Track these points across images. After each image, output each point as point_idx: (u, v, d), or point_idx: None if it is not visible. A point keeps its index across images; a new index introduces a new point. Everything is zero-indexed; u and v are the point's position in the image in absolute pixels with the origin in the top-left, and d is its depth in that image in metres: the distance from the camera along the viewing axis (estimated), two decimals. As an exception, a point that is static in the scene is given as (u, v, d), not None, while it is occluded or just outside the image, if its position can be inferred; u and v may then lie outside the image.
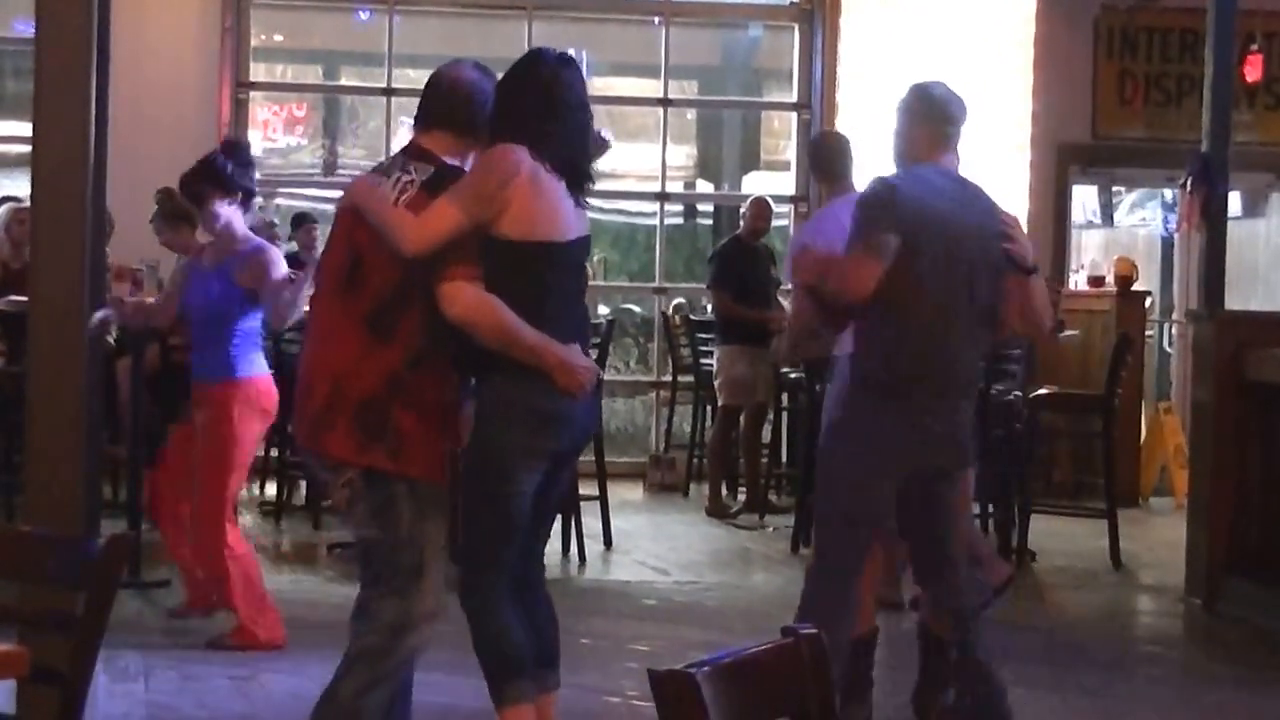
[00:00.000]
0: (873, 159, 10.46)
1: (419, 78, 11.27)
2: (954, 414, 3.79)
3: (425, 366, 3.34)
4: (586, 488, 6.99)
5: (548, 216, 3.33)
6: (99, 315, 4.61)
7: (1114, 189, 11.47)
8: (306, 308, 3.90)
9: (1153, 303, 10.16)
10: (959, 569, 3.89)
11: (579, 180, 3.41)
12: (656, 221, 10.13)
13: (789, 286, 9.47)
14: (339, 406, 3.36)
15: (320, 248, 5.10)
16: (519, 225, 3.29)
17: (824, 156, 5.90)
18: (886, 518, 3.81)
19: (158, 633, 5.29)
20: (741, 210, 8.73)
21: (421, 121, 3.47)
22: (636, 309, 10.94)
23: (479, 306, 3.30)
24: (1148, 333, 9.78)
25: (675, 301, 10.01)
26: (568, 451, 3.47)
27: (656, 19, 10.00)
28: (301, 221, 8.92)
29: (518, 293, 3.30)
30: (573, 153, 3.39)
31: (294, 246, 8.60)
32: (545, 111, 3.35)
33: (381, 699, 3.37)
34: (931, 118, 3.87)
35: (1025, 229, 5.78)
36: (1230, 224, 7.08)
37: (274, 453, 7.64)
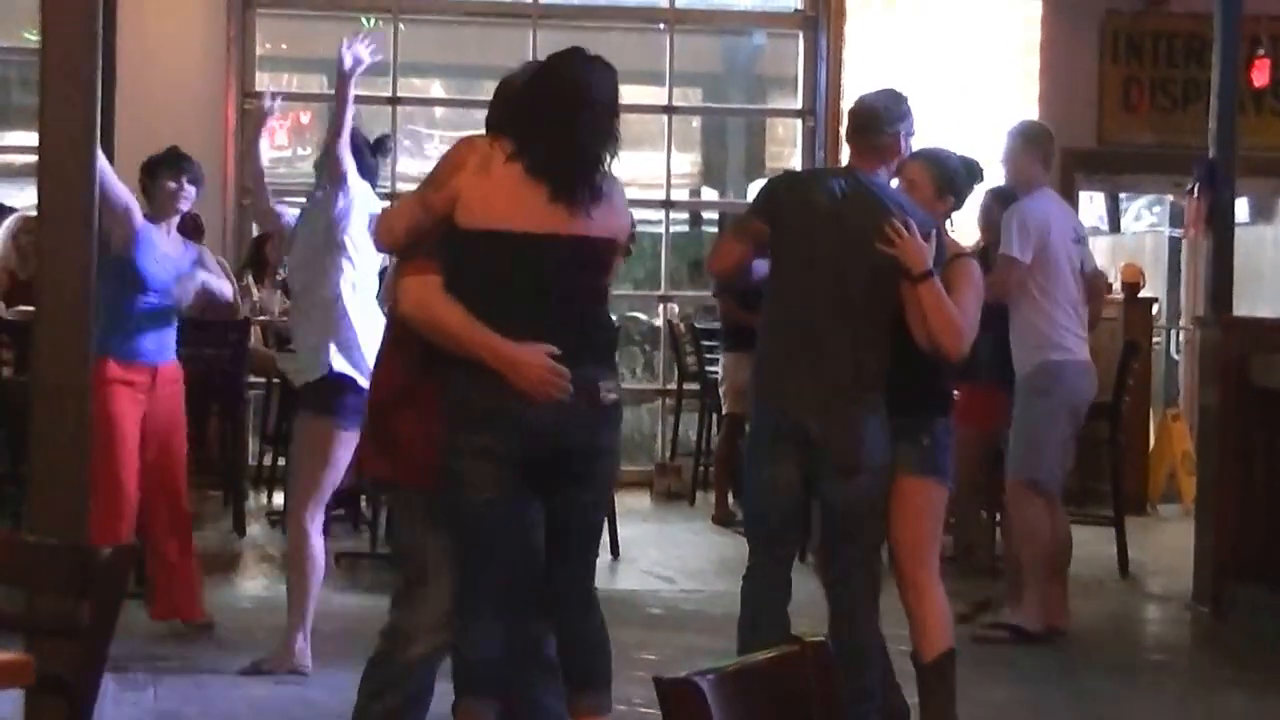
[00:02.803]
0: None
1: (423, 86, 11.39)
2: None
3: (436, 374, 3.28)
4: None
5: (496, 206, 3.22)
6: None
7: (1120, 194, 11.46)
8: None
9: (1160, 309, 10.14)
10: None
11: (565, 180, 3.24)
12: (661, 229, 10.14)
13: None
14: (368, 416, 3.46)
15: None
16: (467, 213, 3.23)
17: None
18: None
19: (165, 642, 5.29)
20: (747, 217, 8.74)
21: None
22: (642, 316, 10.94)
23: (417, 301, 3.26)
24: (1155, 339, 9.76)
25: (675, 307, 10.02)
26: (541, 458, 3.23)
27: (661, 26, 10.01)
28: None
29: (465, 284, 3.23)
30: (553, 152, 3.24)
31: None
32: (529, 109, 3.29)
33: (388, 706, 3.35)
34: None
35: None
36: (1237, 229, 7.07)
37: (281, 461, 7.64)
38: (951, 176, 4.04)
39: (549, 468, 3.27)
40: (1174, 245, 11.09)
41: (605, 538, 7.06)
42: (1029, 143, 5.77)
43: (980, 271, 4.03)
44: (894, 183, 4.05)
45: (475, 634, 3.28)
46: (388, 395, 3.35)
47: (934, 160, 4.10)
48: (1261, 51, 9.19)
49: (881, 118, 4.03)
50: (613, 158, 3.33)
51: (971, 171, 4.15)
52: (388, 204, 3.60)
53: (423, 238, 3.27)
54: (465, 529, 3.28)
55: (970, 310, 3.84)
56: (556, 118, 3.26)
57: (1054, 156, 5.98)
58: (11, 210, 7.86)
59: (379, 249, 3.51)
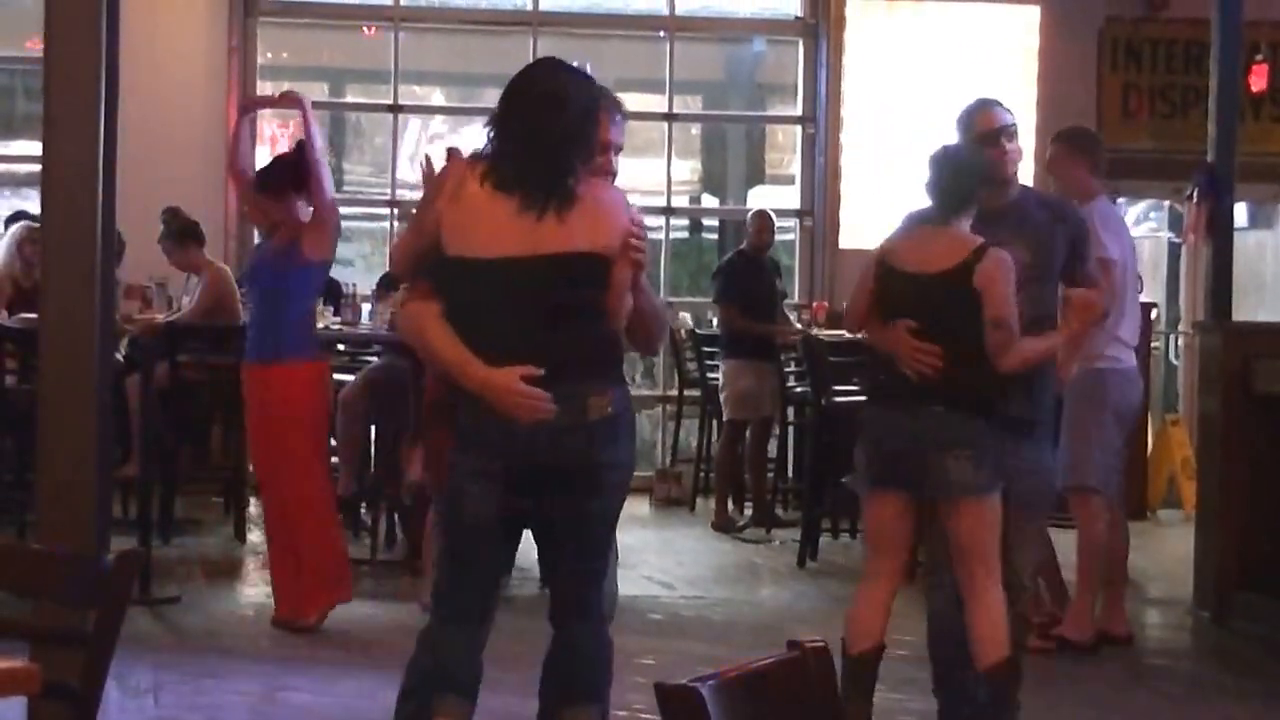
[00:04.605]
0: (875, 172, 10.40)
1: (424, 94, 11.40)
2: None
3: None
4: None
5: (462, 232, 3.22)
6: None
7: (1119, 200, 11.48)
8: None
9: (1159, 314, 10.15)
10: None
11: (532, 191, 3.18)
12: (662, 236, 10.15)
13: (792, 300, 9.54)
14: (416, 429, 3.55)
15: None
16: (446, 240, 3.25)
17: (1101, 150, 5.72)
18: None
19: (168, 648, 5.30)
20: (745, 224, 8.76)
21: None
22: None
23: (411, 325, 3.33)
24: (1154, 344, 9.77)
25: (680, 314, 10.03)
26: (535, 474, 3.22)
27: (661, 33, 10.03)
28: None
29: (452, 309, 3.25)
30: (519, 163, 3.21)
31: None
32: (495, 122, 3.28)
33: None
34: None
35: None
36: (1236, 235, 7.08)
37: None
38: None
39: (545, 483, 3.26)
40: (1173, 251, 11.10)
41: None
42: (1074, 149, 5.61)
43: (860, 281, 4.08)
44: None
45: (435, 643, 3.30)
46: (426, 409, 3.45)
47: None
48: (1260, 57, 9.21)
49: None
50: (582, 165, 3.24)
51: (937, 163, 4.00)
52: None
53: (426, 260, 3.31)
54: (451, 541, 3.35)
55: None
56: (524, 127, 3.24)
57: (1104, 162, 5.69)
58: (25, 216, 7.87)
59: (394, 275, 3.61)
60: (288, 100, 6.19)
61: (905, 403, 3.98)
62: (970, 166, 4.02)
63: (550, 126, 3.22)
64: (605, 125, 3.46)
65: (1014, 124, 4.20)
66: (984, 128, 4.15)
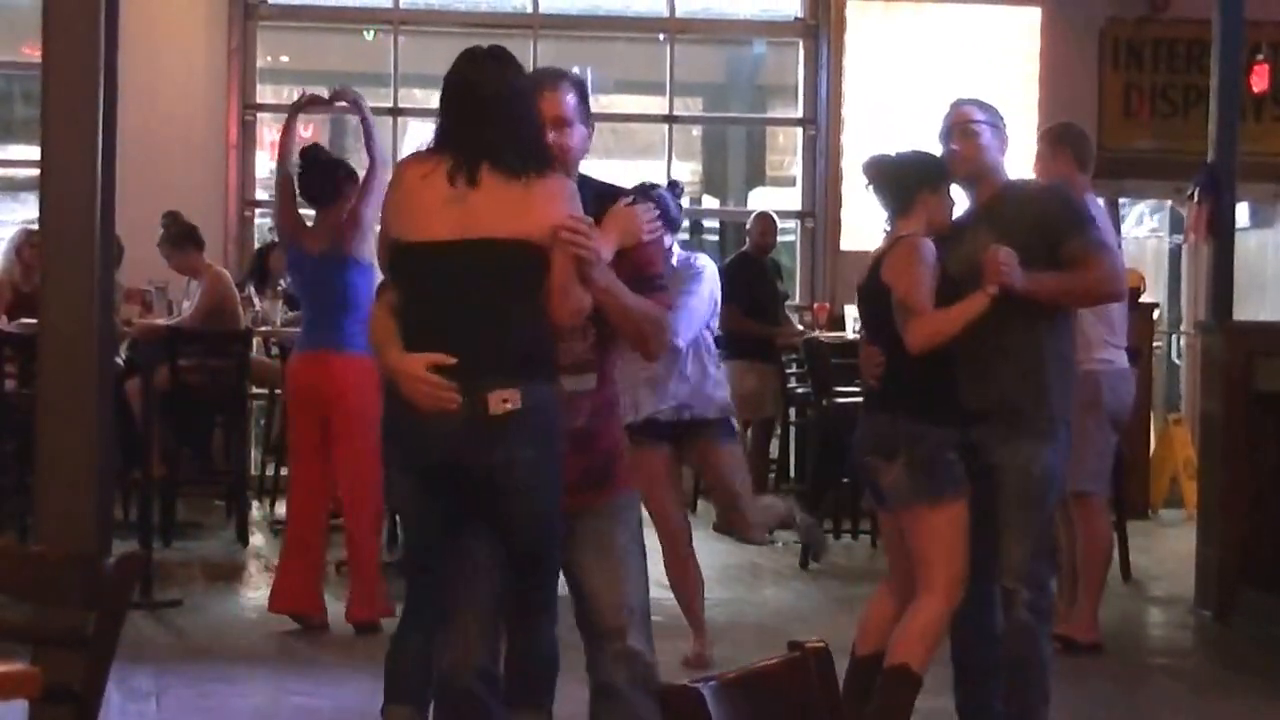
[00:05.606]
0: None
1: (425, 97, 11.38)
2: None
3: None
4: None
5: (399, 218, 3.20)
6: None
7: (1120, 200, 11.49)
8: None
9: (1160, 314, 10.15)
10: None
11: (453, 174, 3.11)
12: (663, 237, 10.14)
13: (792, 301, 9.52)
14: None
15: None
16: (388, 225, 3.25)
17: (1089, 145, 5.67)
18: None
19: (170, 652, 5.30)
20: (746, 226, 8.76)
21: None
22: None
23: (369, 317, 3.31)
24: (1156, 344, 9.77)
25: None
26: (445, 471, 3.09)
27: (661, 36, 10.03)
28: None
29: (396, 295, 3.22)
30: (460, 144, 3.17)
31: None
32: (441, 112, 3.28)
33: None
34: None
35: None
36: (1237, 234, 7.07)
37: (284, 470, 7.65)
38: None
39: (457, 479, 3.12)
40: (1175, 251, 11.10)
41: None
42: (1057, 145, 5.51)
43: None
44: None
45: (404, 639, 3.28)
46: None
47: None
48: (1261, 57, 9.21)
49: None
50: (508, 152, 3.14)
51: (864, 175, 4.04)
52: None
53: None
54: (405, 540, 3.34)
55: None
56: (444, 117, 3.24)
57: (1091, 159, 5.58)
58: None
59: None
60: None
61: (863, 413, 3.99)
62: (890, 171, 3.96)
63: (465, 118, 3.19)
64: (547, 100, 3.27)
65: (974, 121, 4.10)
66: (943, 124, 4.15)
